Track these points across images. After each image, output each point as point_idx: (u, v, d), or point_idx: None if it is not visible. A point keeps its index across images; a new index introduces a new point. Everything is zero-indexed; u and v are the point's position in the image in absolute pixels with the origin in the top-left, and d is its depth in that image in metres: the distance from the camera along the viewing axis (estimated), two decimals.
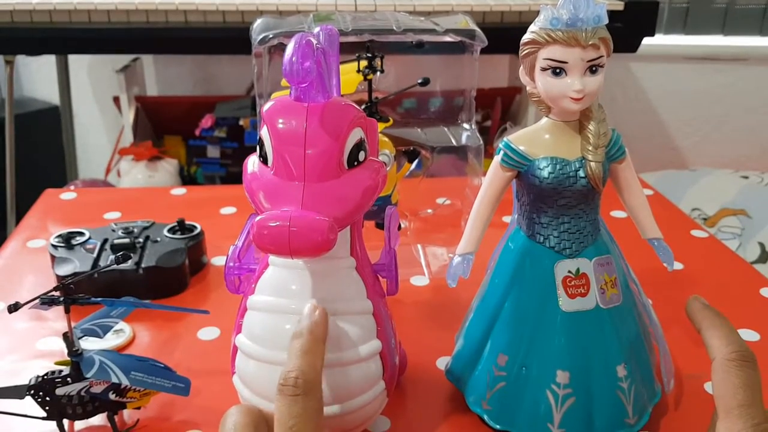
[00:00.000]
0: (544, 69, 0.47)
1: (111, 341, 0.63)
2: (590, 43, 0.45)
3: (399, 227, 0.70)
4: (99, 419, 0.53)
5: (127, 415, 0.55)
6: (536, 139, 0.50)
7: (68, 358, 0.50)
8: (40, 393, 0.50)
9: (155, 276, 0.71)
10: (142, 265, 0.70)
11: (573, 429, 0.51)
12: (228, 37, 1.38)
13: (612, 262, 0.52)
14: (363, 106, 0.67)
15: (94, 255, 0.72)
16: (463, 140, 0.75)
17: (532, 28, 0.47)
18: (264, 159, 0.43)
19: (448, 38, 0.69)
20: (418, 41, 0.68)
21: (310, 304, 0.44)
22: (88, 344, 0.52)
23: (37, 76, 2.15)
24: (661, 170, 1.89)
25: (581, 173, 0.48)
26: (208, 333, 0.66)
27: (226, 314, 0.55)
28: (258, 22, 0.69)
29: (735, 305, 0.71)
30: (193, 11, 1.39)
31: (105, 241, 0.74)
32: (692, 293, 0.73)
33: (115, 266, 0.50)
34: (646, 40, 1.48)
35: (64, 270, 0.69)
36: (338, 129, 0.42)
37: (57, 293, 0.48)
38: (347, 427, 0.48)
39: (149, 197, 0.99)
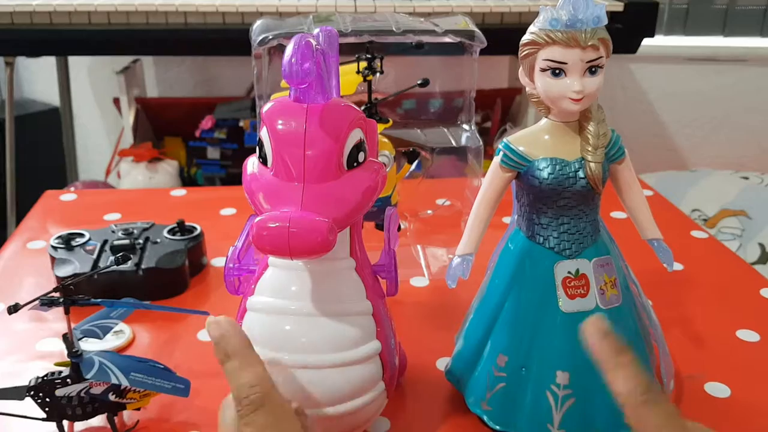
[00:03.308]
0: (543, 70, 0.47)
1: (111, 342, 0.63)
2: (590, 43, 0.45)
3: (399, 228, 0.70)
4: (99, 420, 0.53)
5: (127, 416, 0.55)
6: (536, 139, 0.50)
7: (68, 360, 0.50)
8: (40, 394, 0.50)
9: (155, 277, 0.71)
10: (142, 267, 0.70)
11: (573, 430, 0.51)
12: (228, 39, 1.38)
13: (612, 263, 0.52)
14: (363, 107, 0.67)
15: (94, 256, 0.72)
16: (463, 141, 0.75)
17: (531, 29, 0.47)
18: (264, 160, 0.43)
19: (447, 39, 0.69)
20: (417, 42, 0.68)
21: (210, 321, 0.42)
22: (87, 345, 0.53)
23: (38, 78, 2.15)
24: (660, 171, 1.89)
25: (581, 174, 0.48)
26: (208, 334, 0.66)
27: (225, 315, 0.55)
28: (258, 24, 0.69)
29: (735, 306, 0.71)
30: (192, 12, 1.39)
31: (105, 242, 0.74)
32: (692, 294, 0.73)
33: (114, 267, 0.50)
34: (646, 41, 1.48)
35: (64, 271, 0.69)
36: (338, 130, 0.42)
37: (57, 294, 0.48)
38: (347, 428, 0.48)
39: (149, 198, 0.99)
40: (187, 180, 1.89)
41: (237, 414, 0.39)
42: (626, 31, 1.42)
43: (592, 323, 0.39)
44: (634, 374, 0.37)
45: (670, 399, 0.57)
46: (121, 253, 0.50)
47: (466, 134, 0.76)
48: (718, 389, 0.58)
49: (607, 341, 0.39)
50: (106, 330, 0.52)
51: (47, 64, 1.97)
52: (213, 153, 1.86)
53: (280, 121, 0.42)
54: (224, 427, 0.40)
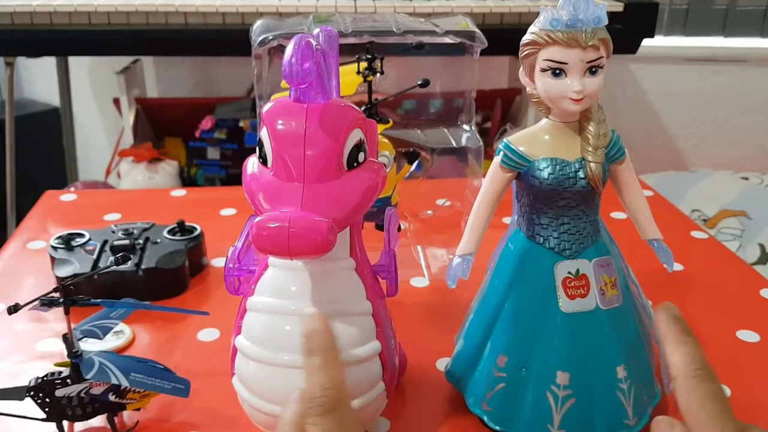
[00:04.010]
0: (543, 70, 0.47)
1: (111, 342, 0.63)
2: (590, 44, 0.45)
3: (399, 228, 0.70)
4: (99, 420, 0.53)
5: (127, 416, 0.55)
6: (536, 140, 0.50)
7: (68, 360, 0.50)
8: (40, 394, 0.50)
9: (155, 277, 0.71)
10: (142, 267, 0.70)
11: (573, 430, 0.51)
12: (228, 39, 1.38)
13: (612, 263, 0.52)
14: (363, 108, 0.67)
15: (94, 256, 0.72)
16: (463, 141, 0.75)
17: (531, 29, 0.47)
18: (264, 160, 0.43)
19: (447, 40, 0.69)
20: (417, 43, 0.68)
21: (307, 315, 0.43)
22: (87, 346, 0.52)
23: (38, 78, 2.16)
24: (661, 171, 1.89)
25: (581, 174, 0.48)
26: (208, 334, 0.66)
27: (225, 315, 0.55)
28: (258, 24, 0.69)
29: (735, 306, 0.71)
30: (192, 13, 1.39)
31: (105, 242, 0.74)
32: (692, 294, 0.73)
33: (114, 267, 0.50)
34: (646, 42, 1.48)
35: (64, 271, 0.69)
36: (338, 130, 0.42)
37: (57, 294, 0.48)
38: None
39: (149, 199, 0.99)
40: (187, 180, 1.89)
41: (304, 411, 0.38)
42: (626, 32, 1.42)
43: (663, 308, 0.41)
44: (694, 353, 0.39)
45: (668, 402, 0.57)
46: (121, 254, 0.50)
47: (467, 135, 0.76)
48: None
49: (675, 323, 0.40)
50: (106, 330, 0.51)
51: (47, 64, 1.97)
52: (213, 153, 1.87)
53: (280, 121, 0.42)
54: (284, 421, 0.39)
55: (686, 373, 0.38)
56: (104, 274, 0.67)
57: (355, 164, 0.43)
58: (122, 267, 0.69)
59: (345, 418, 0.38)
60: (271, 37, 0.66)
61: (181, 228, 0.77)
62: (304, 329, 0.41)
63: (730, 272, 0.79)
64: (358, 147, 0.43)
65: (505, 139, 0.50)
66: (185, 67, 2.10)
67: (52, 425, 0.52)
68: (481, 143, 0.74)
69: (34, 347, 0.64)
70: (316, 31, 0.46)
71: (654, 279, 0.66)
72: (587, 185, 0.49)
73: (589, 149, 0.48)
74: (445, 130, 0.77)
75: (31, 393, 0.50)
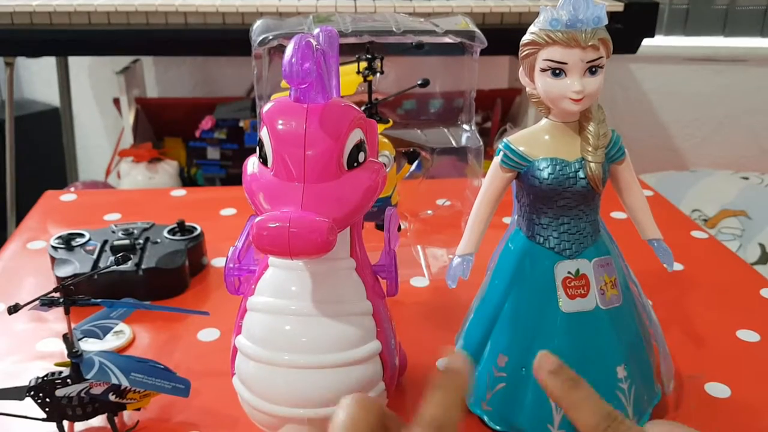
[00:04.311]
0: (543, 70, 0.47)
1: (111, 342, 0.63)
2: (590, 44, 0.45)
3: (399, 228, 0.70)
4: (99, 420, 0.53)
5: (127, 416, 0.55)
6: (536, 140, 0.50)
7: (68, 360, 0.50)
8: (40, 394, 0.50)
9: (155, 277, 0.71)
10: (142, 267, 0.70)
11: (573, 430, 0.51)
12: (228, 39, 1.38)
13: (612, 263, 0.52)
14: (363, 108, 0.67)
15: (94, 256, 0.72)
16: (463, 141, 0.75)
17: (531, 29, 0.47)
18: (264, 160, 0.43)
19: (447, 39, 0.69)
20: (417, 42, 0.68)
21: (451, 354, 0.38)
22: (88, 345, 0.52)
23: (38, 78, 2.15)
24: (661, 171, 1.89)
25: (581, 174, 0.48)
26: (208, 334, 0.66)
27: (226, 315, 0.55)
28: (258, 24, 0.69)
29: (735, 306, 0.71)
30: (192, 13, 1.39)
31: (105, 242, 0.74)
32: (692, 294, 0.73)
33: (115, 267, 0.50)
34: (646, 41, 1.48)
35: (64, 271, 0.69)
36: (338, 130, 0.42)
37: (57, 294, 0.48)
38: None
39: (149, 199, 0.99)
40: (187, 180, 1.89)
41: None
42: (626, 32, 1.42)
43: (540, 360, 0.37)
44: (593, 406, 0.36)
45: (668, 402, 0.57)
46: (121, 254, 0.50)
47: (467, 134, 0.76)
48: (718, 389, 0.58)
49: (559, 378, 0.37)
50: (106, 330, 0.51)
51: (47, 64, 1.97)
52: (213, 153, 1.87)
53: (280, 121, 0.42)
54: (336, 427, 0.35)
55: None
56: (104, 274, 0.67)
57: (356, 164, 0.43)
58: (122, 267, 0.69)
59: None
60: (271, 37, 0.66)
61: (181, 228, 0.77)
62: (448, 364, 0.37)
63: (730, 272, 0.79)
64: (359, 147, 0.43)
65: (505, 139, 0.50)
66: (185, 67, 2.10)
67: (53, 425, 0.52)
68: (481, 143, 0.74)
69: (34, 347, 0.64)
70: (316, 31, 0.46)
71: (654, 279, 0.66)
72: (587, 185, 0.49)
73: (589, 149, 0.48)
74: (445, 130, 0.77)
75: (32, 393, 0.50)
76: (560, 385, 0.37)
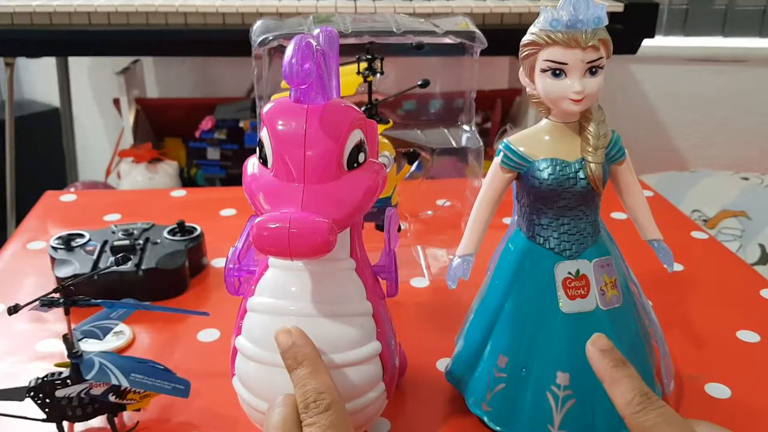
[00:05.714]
0: (543, 70, 0.47)
1: (111, 343, 0.63)
2: (590, 44, 0.45)
3: (399, 229, 0.70)
4: (99, 421, 0.53)
5: (127, 417, 0.55)
6: (536, 140, 0.50)
7: (68, 360, 0.50)
8: (40, 395, 0.50)
9: (155, 278, 0.71)
10: (142, 267, 0.70)
11: (573, 430, 0.51)
12: (228, 39, 1.38)
13: (612, 264, 0.52)
14: (363, 108, 0.67)
15: (94, 257, 0.72)
16: (463, 142, 0.75)
17: (531, 29, 0.47)
18: (264, 161, 0.43)
19: (447, 40, 0.69)
20: (417, 43, 0.68)
21: (279, 331, 0.44)
22: (87, 346, 0.52)
23: (38, 79, 2.15)
24: (661, 172, 1.89)
25: (581, 174, 0.48)
26: (208, 335, 0.66)
27: (225, 316, 0.55)
28: (258, 24, 0.69)
29: (735, 307, 0.71)
30: (193, 13, 1.39)
31: (105, 242, 0.74)
32: (692, 294, 0.73)
33: (115, 268, 0.50)
34: (646, 42, 1.48)
35: (64, 272, 0.69)
36: (338, 130, 0.42)
37: (57, 295, 0.48)
38: None
39: (149, 199, 0.99)
40: (187, 181, 1.89)
41: (301, 416, 0.40)
42: (626, 32, 1.42)
43: (594, 339, 0.42)
44: (629, 382, 0.39)
45: (668, 402, 0.57)
46: (121, 254, 0.50)
47: (467, 135, 0.76)
48: (718, 390, 0.58)
49: (607, 359, 0.41)
50: (106, 331, 0.51)
51: (47, 64, 1.97)
52: (213, 154, 1.87)
53: (280, 122, 0.42)
54: (272, 423, 0.41)
55: (630, 410, 0.39)
56: (104, 275, 0.67)
57: (356, 165, 0.43)
58: (122, 267, 0.69)
59: (341, 417, 0.40)
60: (271, 38, 0.66)
61: (181, 228, 0.77)
62: (282, 346, 0.43)
63: (730, 272, 0.79)
64: (359, 147, 0.43)
65: (505, 140, 0.50)
66: (185, 67, 2.10)
67: (52, 426, 0.52)
68: (481, 143, 0.74)
69: (34, 347, 0.64)
70: (316, 31, 0.46)
71: (654, 279, 0.66)
72: (587, 186, 0.49)
73: (590, 149, 0.48)
74: (445, 131, 0.77)
75: (31, 393, 0.50)
76: (606, 362, 0.41)
